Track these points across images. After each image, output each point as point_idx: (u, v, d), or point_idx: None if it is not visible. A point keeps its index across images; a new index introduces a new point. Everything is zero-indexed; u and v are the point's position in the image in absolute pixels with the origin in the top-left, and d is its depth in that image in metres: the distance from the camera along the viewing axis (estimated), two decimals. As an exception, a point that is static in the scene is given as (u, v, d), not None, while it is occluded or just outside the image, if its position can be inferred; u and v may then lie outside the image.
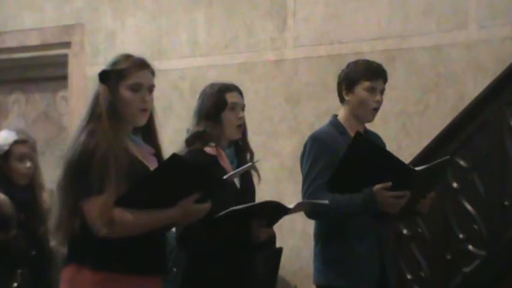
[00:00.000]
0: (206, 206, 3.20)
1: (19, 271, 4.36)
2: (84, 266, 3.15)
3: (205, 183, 3.19)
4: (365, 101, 3.97)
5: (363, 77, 3.97)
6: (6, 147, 4.48)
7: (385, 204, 3.75)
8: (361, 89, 3.97)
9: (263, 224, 3.67)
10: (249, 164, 3.69)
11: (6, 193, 4.38)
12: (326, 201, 3.72)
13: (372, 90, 3.97)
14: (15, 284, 4.35)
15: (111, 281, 3.13)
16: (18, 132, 4.71)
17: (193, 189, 3.15)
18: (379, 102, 3.99)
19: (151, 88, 3.29)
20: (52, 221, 3.21)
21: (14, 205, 4.35)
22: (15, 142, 4.51)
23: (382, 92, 4.01)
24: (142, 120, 3.27)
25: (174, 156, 3.11)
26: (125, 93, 3.22)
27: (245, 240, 3.67)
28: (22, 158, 4.49)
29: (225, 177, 3.29)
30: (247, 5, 6.32)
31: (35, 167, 4.57)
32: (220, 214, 3.54)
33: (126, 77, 3.23)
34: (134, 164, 3.16)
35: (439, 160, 3.86)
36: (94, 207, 3.07)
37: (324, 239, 3.98)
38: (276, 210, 3.64)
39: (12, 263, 4.34)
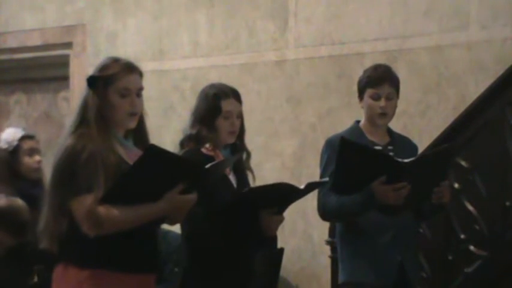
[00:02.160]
0: (192, 196, 3.20)
1: (36, 268, 4.37)
2: (71, 264, 3.18)
3: (188, 173, 3.18)
4: (371, 108, 4.10)
5: (367, 85, 4.11)
6: (15, 143, 4.50)
7: (385, 197, 3.82)
8: (367, 97, 4.11)
9: (273, 212, 3.69)
10: (233, 156, 3.70)
11: (18, 189, 4.40)
12: (326, 179, 3.87)
13: (376, 96, 4.09)
14: (34, 281, 4.37)
15: (96, 279, 3.15)
16: (23, 129, 4.75)
17: (176, 180, 3.15)
18: (384, 108, 4.08)
19: (139, 91, 3.29)
20: (40, 222, 3.23)
21: (28, 202, 4.36)
22: (23, 137, 4.53)
23: (389, 96, 4.10)
24: (131, 124, 3.28)
25: (151, 146, 3.11)
26: (113, 98, 3.23)
27: (255, 233, 3.69)
28: (31, 152, 4.52)
29: (207, 166, 3.27)
30: (249, 5, 6.32)
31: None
32: (233, 199, 3.57)
33: (114, 83, 3.23)
34: (121, 165, 3.17)
35: (436, 149, 3.91)
36: (82, 207, 3.10)
37: (343, 239, 4.10)
38: (286, 194, 3.66)
39: (29, 261, 4.36)
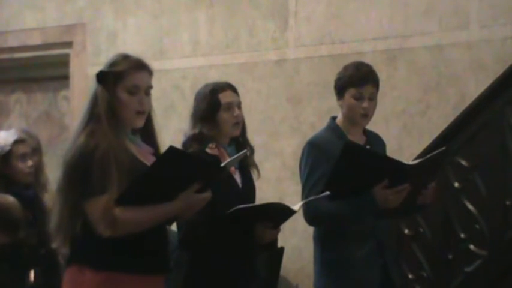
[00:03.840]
0: (207, 195, 3.21)
1: (33, 270, 4.37)
2: (85, 266, 3.16)
3: (204, 172, 3.19)
4: (352, 108, 4.00)
5: (349, 84, 4.00)
6: (8, 148, 4.47)
7: (386, 201, 3.77)
8: (348, 96, 4.00)
9: (268, 226, 3.68)
10: (244, 151, 3.69)
11: (11, 192, 4.38)
12: (327, 192, 3.70)
13: (358, 97, 3.99)
14: (30, 283, 4.37)
15: (112, 281, 3.14)
16: (21, 131, 4.72)
17: (192, 179, 3.15)
18: (367, 109, 3.99)
19: (148, 90, 3.28)
20: (52, 222, 3.22)
21: (21, 204, 4.35)
22: (16, 142, 4.50)
23: (372, 96, 4.01)
24: (138, 123, 3.27)
25: (171, 148, 3.10)
26: (122, 95, 3.22)
27: (248, 242, 3.68)
28: (23, 157, 4.49)
29: (222, 164, 3.28)
30: (249, 4, 6.32)
31: (39, 167, 4.57)
32: (226, 213, 3.56)
33: (123, 79, 3.22)
34: (134, 163, 3.16)
35: (435, 152, 3.88)
36: (97, 208, 3.08)
37: (323, 243, 4.00)
38: (281, 212, 3.64)
39: (25, 262, 4.35)
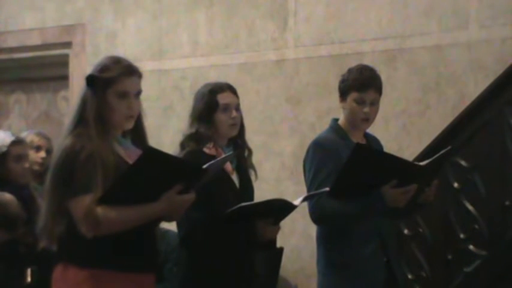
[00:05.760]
0: (190, 196, 3.20)
1: (30, 268, 4.37)
2: (71, 264, 3.18)
3: (185, 173, 3.18)
4: (354, 112, 4.00)
5: (352, 88, 4.00)
6: (4, 149, 4.47)
7: (394, 201, 3.77)
8: (351, 100, 4.00)
9: (269, 223, 3.68)
10: (230, 153, 3.68)
11: (6, 191, 4.38)
12: (327, 188, 3.73)
13: (360, 101, 3.99)
14: (27, 281, 4.36)
15: (97, 278, 3.15)
16: (37, 133, 4.72)
17: (174, 180, 3.15)
18: (368, 114, 3.99)
19: (138, 94, 3.29)
20: (39, 222, 3.24)
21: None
22: (13, 143, 4.50)
23: (374, 102, 4.01)
24: (128, 126, 3.29)
25: (148, 148, 3.12)
26: (112, 100, 3.23)
27: (250, 240, 3.68)
28: (19, 158, 4.49)
29: (204, 166, 3.26)
30: (248, 5, 6.32)
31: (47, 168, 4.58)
32: (228, 211, 3.56)
33: (113, 84, 3.23)
34: (120, 165, 3.17)
35: (442, 152, 3.88)
36: (80, 207, 3.10)
37: (327, 242, 4.00)
38: (281, 208, 3.65)
39: (22, 260, 4.35)
